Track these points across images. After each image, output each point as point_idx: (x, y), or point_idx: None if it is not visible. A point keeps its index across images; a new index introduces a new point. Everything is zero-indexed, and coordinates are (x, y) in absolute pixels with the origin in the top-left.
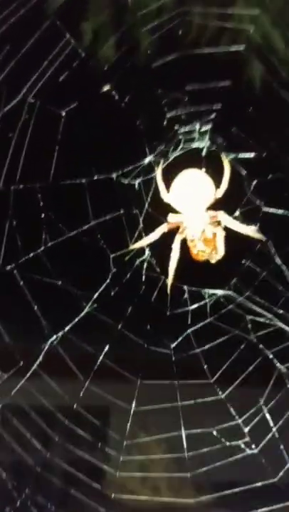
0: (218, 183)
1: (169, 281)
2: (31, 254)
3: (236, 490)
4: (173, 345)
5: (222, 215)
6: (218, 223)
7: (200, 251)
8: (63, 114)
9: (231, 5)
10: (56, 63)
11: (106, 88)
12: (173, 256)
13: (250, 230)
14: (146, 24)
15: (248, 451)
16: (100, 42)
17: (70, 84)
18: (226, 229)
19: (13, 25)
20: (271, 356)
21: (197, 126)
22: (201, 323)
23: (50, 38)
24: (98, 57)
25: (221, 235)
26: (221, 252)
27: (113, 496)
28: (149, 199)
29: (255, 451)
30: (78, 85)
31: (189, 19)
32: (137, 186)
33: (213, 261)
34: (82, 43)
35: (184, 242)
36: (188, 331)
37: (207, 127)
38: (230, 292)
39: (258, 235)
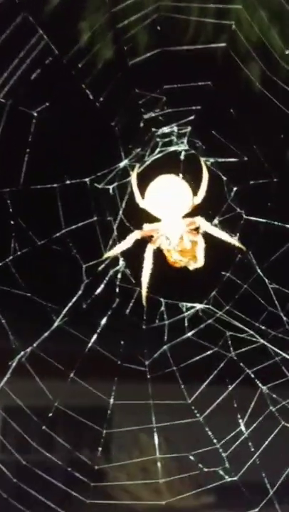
0: (196, 189)
1: (143, 292)
2: None
3: None
4: (148, 362)
5: (200, 220)
6: (197, 232)
7: (177, 260)
8: (35, 114)
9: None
10: (28, 61)
11: None
12: (145, 266)
13: (230, 237)
14: (124, 20)
15: (228, 478)
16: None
17: (42, 82)
18: (205, 236)
19: None
20: (253, 376)
21: (175, 129)
22: (179, 339)
23: (22, 34)
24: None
25: (201, 243)
26: (200, 261)
27: None
28: (124, 205)
29: (235, 478)
30: (51, 84)
31: (169, 15)
32: (111, 191)
33: (191, 268)
34: (56, 39)
35: (159, 250)
36: (165, 347)
37: (186, 129)
38: (209, 306)
39: (238, 244)
